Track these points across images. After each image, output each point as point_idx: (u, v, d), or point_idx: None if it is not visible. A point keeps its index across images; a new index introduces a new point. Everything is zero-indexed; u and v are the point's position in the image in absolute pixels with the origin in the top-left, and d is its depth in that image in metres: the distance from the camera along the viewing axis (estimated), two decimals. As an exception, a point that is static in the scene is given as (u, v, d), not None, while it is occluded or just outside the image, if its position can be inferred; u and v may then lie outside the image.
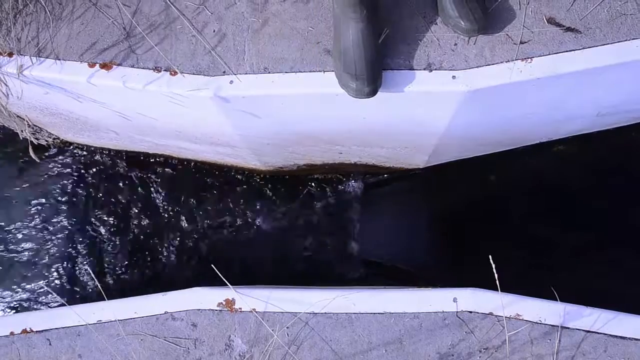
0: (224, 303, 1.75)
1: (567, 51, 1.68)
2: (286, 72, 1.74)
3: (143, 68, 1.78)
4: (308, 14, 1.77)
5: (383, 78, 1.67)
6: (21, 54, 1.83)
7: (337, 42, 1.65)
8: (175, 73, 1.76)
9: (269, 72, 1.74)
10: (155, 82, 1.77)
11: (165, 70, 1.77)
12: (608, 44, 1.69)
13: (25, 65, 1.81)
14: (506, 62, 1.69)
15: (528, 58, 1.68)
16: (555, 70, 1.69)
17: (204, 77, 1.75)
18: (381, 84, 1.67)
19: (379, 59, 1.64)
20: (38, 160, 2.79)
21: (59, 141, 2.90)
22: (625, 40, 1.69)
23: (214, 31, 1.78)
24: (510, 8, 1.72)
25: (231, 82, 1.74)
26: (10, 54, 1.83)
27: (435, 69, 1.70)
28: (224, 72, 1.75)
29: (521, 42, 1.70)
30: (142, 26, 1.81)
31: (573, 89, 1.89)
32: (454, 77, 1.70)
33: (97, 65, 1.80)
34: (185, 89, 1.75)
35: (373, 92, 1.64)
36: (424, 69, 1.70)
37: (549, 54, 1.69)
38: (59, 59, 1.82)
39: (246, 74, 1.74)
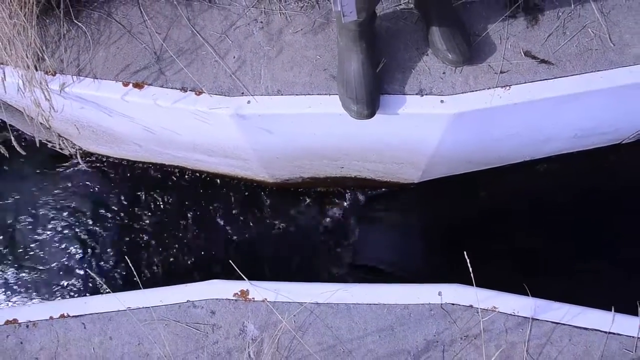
0: (239, 293, 1.83)
1: (541, 80, 1.80)
2: (297, 95, 1.83)
3: (171, 88, 1.87)
4: (317, 44, 1.88)
5: (381, 102, 1.78)
6: (63, 73, 1.92)
7: (341, 70, 1.77)
8: (200, 93, 1.85)
9: (282, 94, 1.83)
10: (181, 101, 1.86)
11: (191, 90, 1.86)
12: (577, 74, 1.81)
13: (67, 83, 1.91)
14: (488, 89, 1.80)
15: (507, 86, 1.79)
16: (531, 97, 1.80)
17: (224, 97, 1.84)
18: (379, 107, 1.78)
19: (377, 86, 1.76)
20: (85, 167, 2.90)
21: (81, 151, 2.96)
22: (592, 71, 1.81)
23: (235, 57, 1.89)
24: (492, 42, 1.84)
25: (249, 102, 1.84)
26: (54, 73, 1.92)
27: (426, 94, 1.80)
28: (243, 93, 1.85)
29: (501, 72, 1.81)
30: (172, 51, 1.91)
31: (548, 113, 1.99)
32: (442, 101, 1.79)
33: (131, 84, 1.89)
34: (208, 107, 1.84)
35: (371, 115, 1.75)
36: (416, 94, 1.80)
37: (526, 83, 1.80)
38: (97, 78, 1.91)
39: (262, 95, 1.84)
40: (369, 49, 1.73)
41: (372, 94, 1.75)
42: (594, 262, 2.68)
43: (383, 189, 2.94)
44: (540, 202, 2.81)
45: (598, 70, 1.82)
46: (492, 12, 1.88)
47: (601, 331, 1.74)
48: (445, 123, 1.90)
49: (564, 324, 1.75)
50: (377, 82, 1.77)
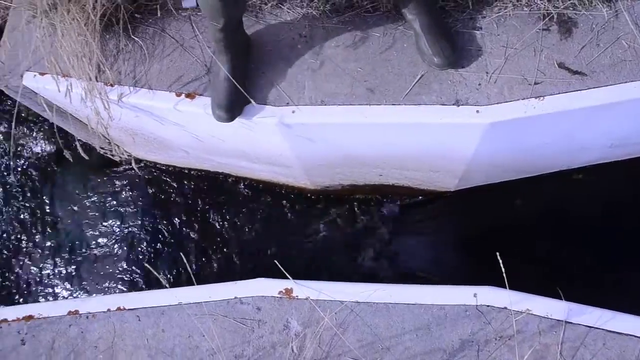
0: (284, 291, 1.90)
1: (574, 91, 1.83)
2: (338, 105, 1.90)
3: (221, 98, 1.98)
4: (357, 57, 1.95)
5: (420, 111, 1.84)
6: (121, 84, 2.03)
7: (213, 74, 1.92)
8: (247, 103, 1.93)
9: (325, 104, 1.90)
10: (230, 110, 1.96)
11: (239, 100, 1.94)
12: (610, 85, 1.83)
13: (124, 93, 2.03)
14: (522, 99, 1.84)
15: (541, 96, 1.83)
16: (564, 107, 1.83)
17: (271, 106, 1.92)
18: (240, 113, 1.92)
19: (240, 94, 1.88)
20: (139, 172, 3.10)
21: (131, 158, 3.05)
22: (625, 82, 1.83)
23: (280, 69, 1.96)
24: (527, 55, 1.89)
25: (293, 111, 1.91)
26: (112, 84, 2.04)
27: (462, 104, 1.85)
28: (287, 103, 1.92)
29: (535, 83, 1.85)
30: (221, 64, 1.99)
31: (582, 123, 2.02)
32: (477, 111, 1.84)
33: (183, 94, 1.98)
34: (255, 116, 1.93)
35: (230, 119, 1.90)
36: (453, 104, 1.86)
37: (559, 93, 1.83)
38: (151, 89, 2.01)
39: (306, 105, 1.91)
40: (235, 59, 1.87)
41: (234, 101, 1.90)
42: (627, 270, 2.69)
43: (420, 197, 2.99)
44: (575, 210, 2.82)
45: (632, 81, 1.84)
46: (527, 26, 1.93)
47: (636, 336, 1.75)
48: (481, 132, 1.95)
49: (597, 328, 1.76)
50: (239, 90, 1.88)
